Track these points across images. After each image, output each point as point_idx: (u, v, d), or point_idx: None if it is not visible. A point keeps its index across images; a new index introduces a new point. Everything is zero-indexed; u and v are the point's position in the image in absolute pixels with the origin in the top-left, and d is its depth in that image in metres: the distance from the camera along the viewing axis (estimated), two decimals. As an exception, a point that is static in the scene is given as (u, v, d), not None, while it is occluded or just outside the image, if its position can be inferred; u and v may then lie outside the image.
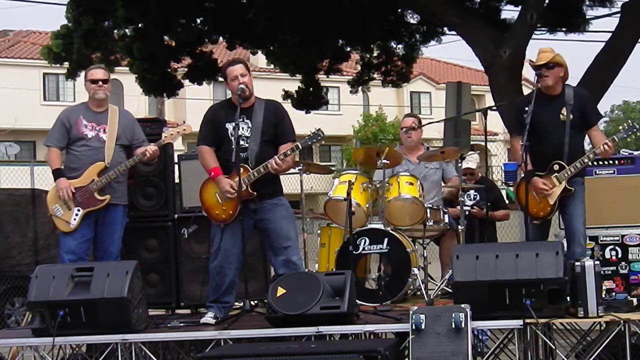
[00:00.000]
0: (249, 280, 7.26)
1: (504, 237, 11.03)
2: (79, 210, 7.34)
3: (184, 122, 7.99)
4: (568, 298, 6.29)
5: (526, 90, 10.10)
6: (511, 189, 10.17)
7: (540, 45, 7.40)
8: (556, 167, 7.10)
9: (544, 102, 7.09)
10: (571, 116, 7.10)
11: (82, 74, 8.07)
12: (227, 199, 7.00)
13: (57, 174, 7.39)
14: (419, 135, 8.82)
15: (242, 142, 7.01)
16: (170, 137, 7.54)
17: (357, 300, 6.83)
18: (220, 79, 17.41)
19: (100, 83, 7.47)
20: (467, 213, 8.60)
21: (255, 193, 7.00)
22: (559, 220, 7.50)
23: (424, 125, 8.97)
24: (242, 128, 7.03)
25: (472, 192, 9.06)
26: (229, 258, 7.06)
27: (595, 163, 7.83)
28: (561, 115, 7.13)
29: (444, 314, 6.11)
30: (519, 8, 13.43)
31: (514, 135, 7.37)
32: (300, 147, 7.06)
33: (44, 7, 52.47)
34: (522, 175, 7.15)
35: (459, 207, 8.30)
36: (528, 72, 9.96)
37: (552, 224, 7.47)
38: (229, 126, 7.02)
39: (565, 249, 6.68)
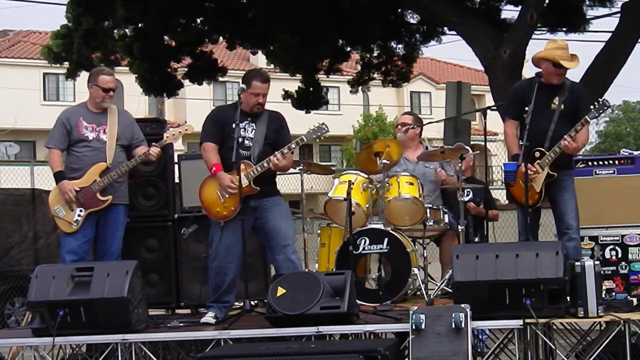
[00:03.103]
0: (249, 280, 7.26)
1: (504, 237, 11.01)
2: (81, 210, 7.34)
3: (185, 122, 8.01)
4: (568, 298, 6.29)
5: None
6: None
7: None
8: (537, 154, 7.11)
9: (541, 90, 7.11)
10: (562, 106, 7.13)
11: (87, 73, 8.03)
12: (228, 195, 7.03)
13: (58, 176, 7.39)
14: (416, 133, 8.79)
15: (246, 142, 7.14)
16: (172, 137, 7.53)
17: (357, 300, 6.83)
18: (222, 78, 17.62)
19: (111, 93, 7.48)
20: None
21: (258, 188, 7.07)
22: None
23: (423, 125, 8.95)
24: (247, 130, 7.17)
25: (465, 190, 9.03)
26: (229, 257, 7.08)
27: (595, 163, 7.83)
28: (552, 104, 7.15)
29: (444, 314, 6.11)
30: (519, 8, 13.44)
31: (507, 117, 7.40)
32: (305, 141, 7.20)
33: (44, 7, 52.51)
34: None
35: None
36: (528, 72, 9.95)
37: (553, 224, 7.46)
38: (236, 127, 7.12)
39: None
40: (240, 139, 7.08)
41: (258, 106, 7.19)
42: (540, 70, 7.21)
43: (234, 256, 7.09)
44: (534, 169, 7.07)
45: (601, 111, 7.07)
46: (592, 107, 7.05)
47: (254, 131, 7.18)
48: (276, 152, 7.06)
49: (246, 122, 7.16)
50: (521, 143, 6.98)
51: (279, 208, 7.18)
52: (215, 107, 7.61)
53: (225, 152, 7.12)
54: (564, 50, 7.16)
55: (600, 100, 7.09)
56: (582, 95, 7.32)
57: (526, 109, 7.06)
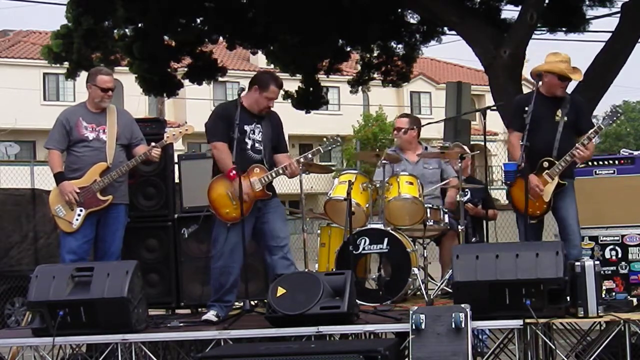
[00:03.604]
0: (249, 280, 7.27)
1: (504, 237, 11.02)
2: (81, 210, 7.33)
3: (185, 122, 8.03)
4: (568, 298, 6.29)
5: (526, 90, 10.12)
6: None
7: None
8: (546, 164, 7.14)
9: (542, 102, 7.18)
10: (565, 118, 7.18)
11: (86, 73, 8.03)
12: (236, 202, 7.04)
13: (59, 177, 7.39)
14: (412, 136, 8.78)
15: (257, 145, 7.20)
16: (172, 138, 7.51)
17: (357, 300, 6.84)
18: (221, 78, 17.62)
19: (110, 92, 7.47)
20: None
21: (270, 193, 7.17)
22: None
23: (423, 125, 8.95)
24: (255, 132, 7.22)
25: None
26: (234, 256, 7.10)
27: (595, 163, 7.85)
28: (556, 117, 7.20)
29: (444, 314, 6.11)
30: (519, 8, 13.42)
31: (511, 130, 7.45)
32: (322, 152, 7.41)
33: (44, 7, 52.49)
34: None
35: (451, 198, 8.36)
36: (528, 72, 9.95)
37: (552, 224, 7.48)
38: (247, 128, 7.16)
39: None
40: (251, 142, 7.15)
41: (267, 109, 7.24)
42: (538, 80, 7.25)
43: (238, 255, 7.11)
44: (541, 186, 7.07)
45: (614, 118, 7.14)
46: (605, 114, 7.14)
47: (261, 134, 7.22)
48: (292, 160, 7.18)
49: (254, 123, 7.19)
50: (521, 143, 7.01)
51: (279, 209, 7.28)
52: (219, 105, 7.71)
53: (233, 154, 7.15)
54: (567, 64, 7.24)
55: (613, 107, 7.17)
56: (581, 106, 7.45)
57: (526, 109, 7.09)
